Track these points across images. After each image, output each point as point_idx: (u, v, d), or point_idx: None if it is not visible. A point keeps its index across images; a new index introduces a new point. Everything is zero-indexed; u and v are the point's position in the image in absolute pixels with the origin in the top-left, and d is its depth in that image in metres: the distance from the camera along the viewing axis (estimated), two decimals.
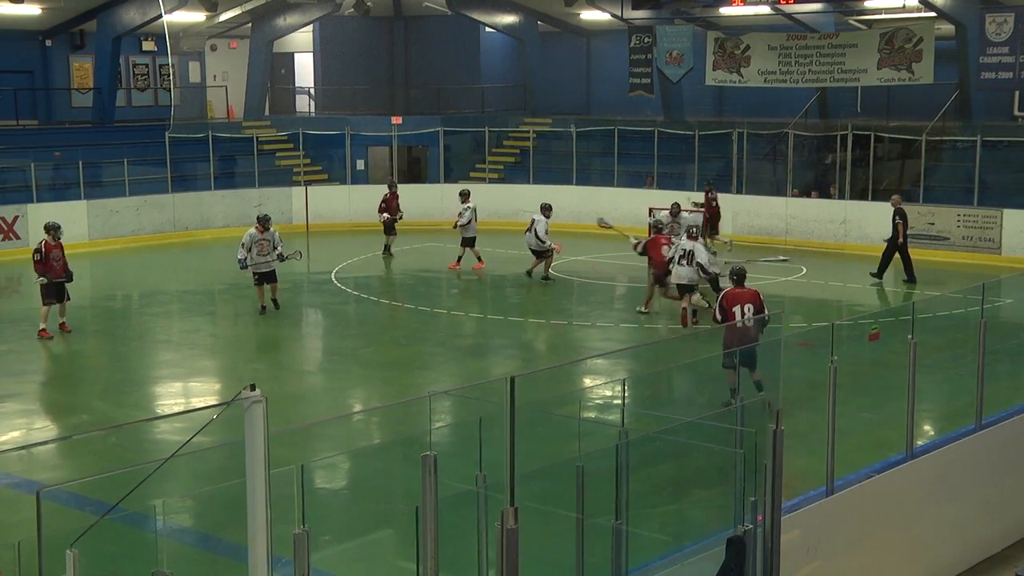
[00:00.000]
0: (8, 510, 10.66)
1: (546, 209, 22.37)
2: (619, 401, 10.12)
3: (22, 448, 12.31)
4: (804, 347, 13.85)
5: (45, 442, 12.99)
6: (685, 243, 18.21)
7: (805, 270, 23.06)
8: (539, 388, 13.31)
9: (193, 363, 16.56)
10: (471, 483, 6.90)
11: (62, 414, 14.07)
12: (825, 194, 27.25)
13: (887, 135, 27.18)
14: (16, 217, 25.47)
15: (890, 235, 21.80)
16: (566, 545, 7.64)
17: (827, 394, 8.91)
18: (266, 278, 19.20)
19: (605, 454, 7.89)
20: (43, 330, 17.48)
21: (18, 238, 25.43)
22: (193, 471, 10.52)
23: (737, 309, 13.37)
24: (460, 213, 23.61)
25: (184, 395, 15.20)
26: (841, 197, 26.58)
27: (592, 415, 11.78)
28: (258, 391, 5.69)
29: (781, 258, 23.87)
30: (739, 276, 13.90)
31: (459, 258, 23.51)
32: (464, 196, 23.96)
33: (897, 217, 21.73)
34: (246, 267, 19.11)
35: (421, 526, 6.45)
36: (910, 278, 21.55)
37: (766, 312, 13.43)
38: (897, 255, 21.72)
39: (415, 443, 7.22)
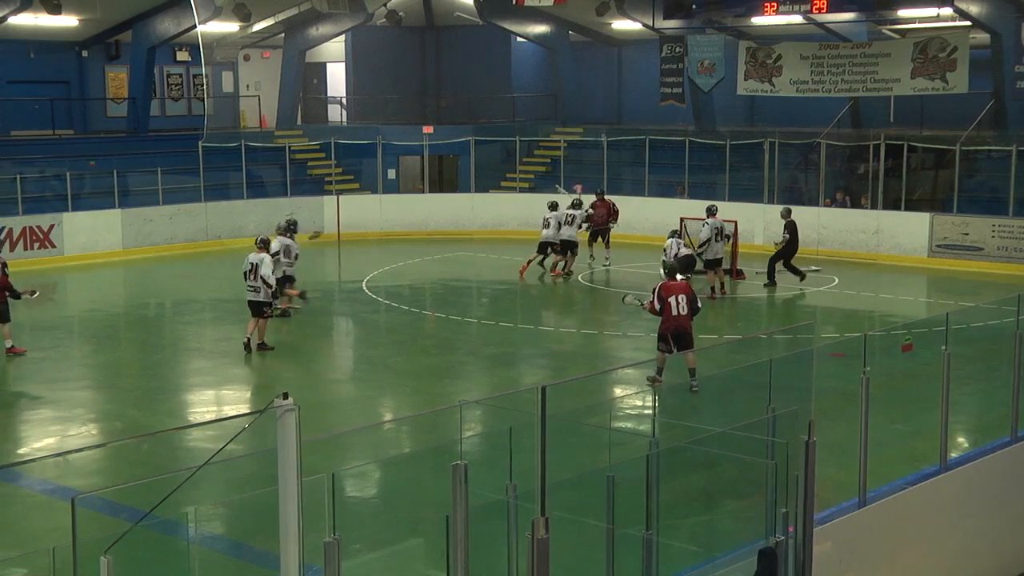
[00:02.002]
0: (43, 516, 10.75)
1: (554, 207, 23.37)
2: (650, 411, 10.11)
3: (57, 455, 12.41)
4: (836, 358, 13.77)
5: (79, 449, 13.09)
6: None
7: (837, 280, 22.92)
8: (570, 398, 13.30)
9: (225, 371, 16.65)
10: (501, 493, 6.90)
11: (96, 421, 14.17)
12: (855, 203, 27.10)
13: (920, 145, 26.99)
14: (52, 226, 25.73)
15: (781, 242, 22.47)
16: (596, 555, 7.63)
17: (859, 405, 8.86)
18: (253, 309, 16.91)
19: (636, 464, 7.87)
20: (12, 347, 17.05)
21: (54, 246, 25.68)
22: (224, 479, 10.58)
23: (673, 299, 14.47)
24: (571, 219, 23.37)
25: (216, 403, 15.29)
26: (874, 207, 26.42)
27: (623, 425, 11.76)
28: (290, 399, 5.72)
29: (813, 268, 23.78)
30: (672, 270, 15.29)
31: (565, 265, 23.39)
32: (552, 206, 23.68)
33: (786, 231, 22.35)
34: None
35: (451, 535, 6.45)
36: (772, 280, 22.20)
37: (698, 302, 14.81)
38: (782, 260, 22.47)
39: (445, 452, 7.24)
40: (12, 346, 17.10)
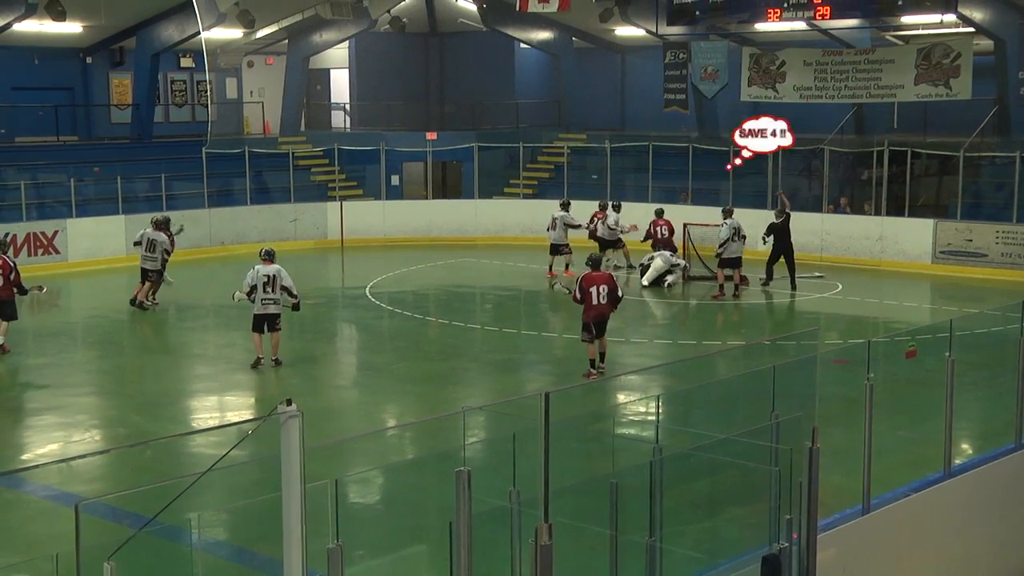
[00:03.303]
0: (46, 522, 10.76)
1: (566, 205, 24.56)
2: (653, 417, 10.09)
3: (61, 461, 12.42)
4: (840, 364, 13.76)
5: (83, 455, 13.09)
6: (732, 222, 22.03)
7: (841, 287, 22.91)
8: (573, 404, 13.29)
9: (228, 377, 16.65)
10: (505, 499, 6.90)
11: (99, 427, 14.18)
12: (857, 208, 27.09)
13: (924, 151, 26.98)
14: (56, 232, 25.77)
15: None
16: (600, 562, 7.62)
17: (863, 412, 8.85)
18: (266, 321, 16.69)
19: (639, 470, 7.87)
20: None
21: (58, 252, 25.72)
22: (227, 485, 10.57)
23: (594, 289, 15.58)
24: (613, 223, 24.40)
25: (219, 409, 15.29)
26: (877, 213, 26.40)
27: (626, 431, 11.76)
28: (294, 406, 5.72)
29: (816, 275, 23.78)
30: (595, 262, 16.25)
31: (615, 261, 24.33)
32: (614, 212, 24.81)
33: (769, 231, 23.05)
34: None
35: (455, 542, 6.45)
36: (769, 278, 22.93)
37: (620, 292, 15.95)
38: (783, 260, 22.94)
39: (449, 458, 7.23)
40: (3, 343, 17.43)
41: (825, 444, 7.98)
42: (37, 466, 12.16)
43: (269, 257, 16.64)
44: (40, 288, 18.34)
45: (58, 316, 21.41)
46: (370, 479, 11.59)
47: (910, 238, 25.45)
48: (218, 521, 10.14)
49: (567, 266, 23.87)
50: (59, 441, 13.37)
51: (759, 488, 8.35)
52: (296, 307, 16.95)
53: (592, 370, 15.84)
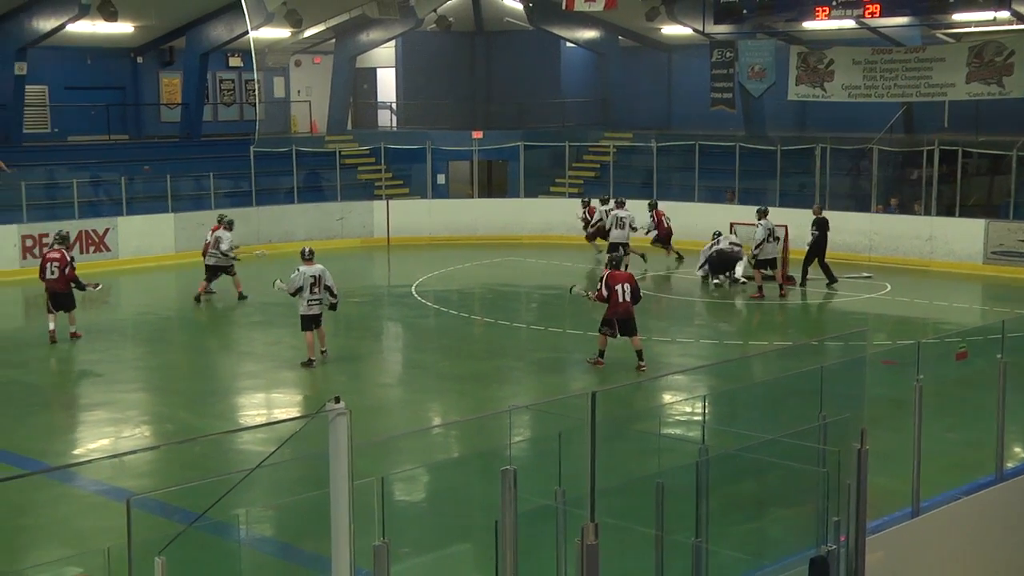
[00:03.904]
0: (97, 516, 10.89)
1: (622, 204, 24.79)
2: (699, 417, 10.06)
3: (112, 457, 12.56)
4: (888, 365, 13.62)
5: (133, 451, 13.25)
6: (766, 223, 21.98)
7: (889, 287, 22.67)
8: (619, 403, 13.27)
9: (275, 375, 16.77)
10: (550, 498, 6.90)
11: (148, 423, 14.34)
12: (907, 208, 26.79)
13: (976, 150, 26.63)
14: (107, 230, 26.08)
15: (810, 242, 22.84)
16: (645, 562, 7.60)
17: (912, 414, 8.76)
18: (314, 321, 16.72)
19: (685, 471, 7.83)
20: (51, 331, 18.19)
21: (109, 250, 26.03)
22: (273, 482, 10.65)
23: (619, 287, 16.09)
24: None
25: (266, 406, 15.41)
26: (927, 213, 26.10)
27: (672, 431, 11.71)
28: (342, 403, 5.75)
29: (865, 275, 23.56)
30: (616, 261, 17.08)
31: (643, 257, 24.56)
32: (619, 204, 24.93)
33: (815, 228, 22.76)
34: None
35: (500, 540, 6.45)
36: (831, 279, 22.69)
37: (640, 291, 16.57)
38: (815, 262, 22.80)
39: (494, 457, 7.24)
40: (75, 331, 18.26)
41: (873, 446, 7.91)
42: (89, 461, 12.32)
43: (311, 257, 16.70)
44: (96, 285, 18.90)
45: (109, 313, 21.66)
46: (416, 477, 11.63)
47: (961, 238, 25.14)
48: (265, 517, 10.22)
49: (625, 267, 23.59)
50: (110, 436, 13.53)
51: (806, 489, 8.30)
52: (334, 307, 16.91)
53: (601, 359, 16.34)
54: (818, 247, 22.80)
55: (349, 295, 23.08)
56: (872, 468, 7.88)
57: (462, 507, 10.60)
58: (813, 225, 22.91)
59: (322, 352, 16.78)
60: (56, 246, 18.61)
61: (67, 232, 20.08)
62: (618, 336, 16.23)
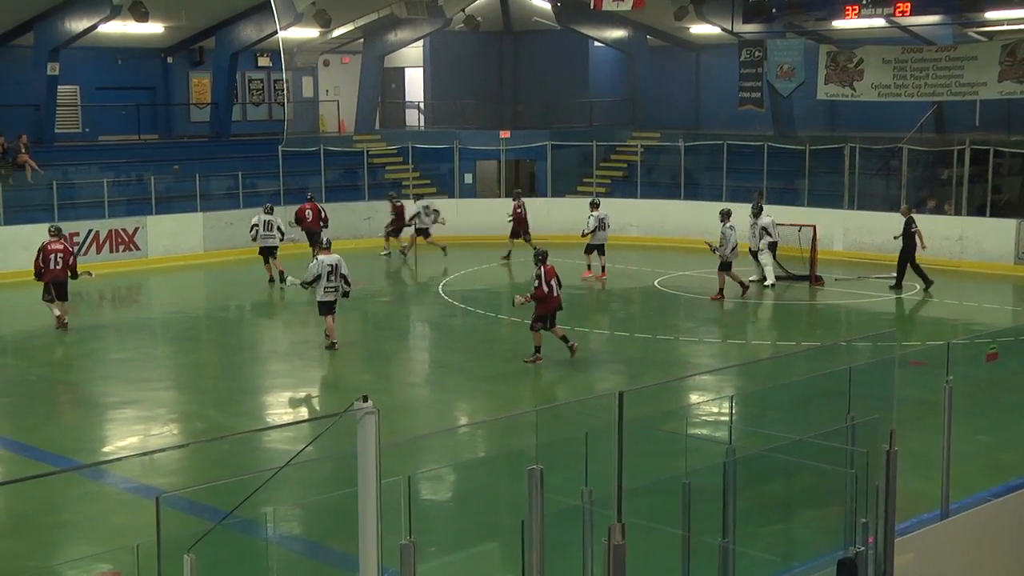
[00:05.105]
0: (127, 513, 10.97)
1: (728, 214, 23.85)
2: (726, 418, 10.02)
3: (141, 455, 12.66)
4: (918, 366, 13.54)
5: (162, 449, 13.34)
6: (764, 220, 22.35)
7: (919, 287, 22.52)
8: (646, 404, 13.21)
9: (302, 374, 16.85)
10: (577, 498, 6.89)
11: (177, 421, 14.43)
12: (937, 208, 26.58)
13: (1008, 150, 26.40)
14: (136, 229, 26.27)
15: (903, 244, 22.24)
16: (671, 563, 7.59)
17: (942, 415, 8.70)
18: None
19: (712, 471, 7.81)
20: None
21: (138, 249, 26.21)
22: (300, 480, 10.70)
23: (554, 282, 16.46)
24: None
25: (293, 405, 15.47)
26: (957, 213, 25.90)
27: (699, 432, 11.68)
28: (370, 402, 5.77)
29: (894, 275, 23.39)
30: (544, 255, 16.86)
31: (588, 266, 24.21)
32: (593, 206, 24.60)
33: (913, 226, 22.13)
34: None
35: (526, 540, 6.46)
36: (927, 283, 22.00)
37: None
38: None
39: (521, 456, 7.24)
40: (66, 321, 18.85)
41: (902, 447, 7.86)
42: (119, 459, 12.41)
43: (328, 246, 17.92)
44: (89, 273, 19.67)
45: (138, 312, 21.83)
46: (442, 476, 11.65)
47: (992, 239, 24.93)
48: (293, 516, 10.27)
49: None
50: (139, 434, 13.63)
51: (834, 491, 8.26)
52: (346, 294, 17.85)
53: (539, 355, 16.51)
54: (909, 249, 22.15)
55: (376, 294, 23.21)
56: (901, 470, 7.84)
57: (489, 507, 10.61)
58: (909, 224, 22.23)
59: (331, 342, 17.53)
60: (55, 239, 19.16)
61: (59, 225, 20.50)
62: (548, 328, 16.55)
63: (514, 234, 26.59)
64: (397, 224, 27.17)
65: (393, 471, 6.22)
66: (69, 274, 18.92)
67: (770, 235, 22.88)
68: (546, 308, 16.46)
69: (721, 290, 21.39)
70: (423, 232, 26.73)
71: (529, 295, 16.58)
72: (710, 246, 21.58)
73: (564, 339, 16.70)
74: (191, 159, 28.97)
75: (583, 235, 24.16)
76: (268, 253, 23.54)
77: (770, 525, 9.61)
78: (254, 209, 25.73)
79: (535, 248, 19.44)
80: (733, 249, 21.34)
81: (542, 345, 16.56)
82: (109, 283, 24.12)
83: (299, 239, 24.74)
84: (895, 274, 22.27)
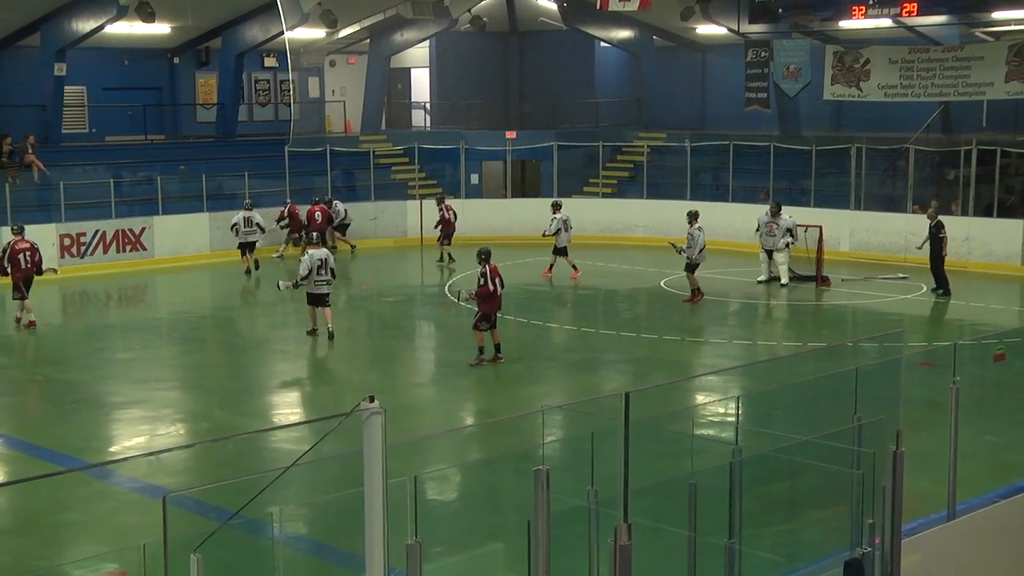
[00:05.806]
0: (133, 513, 10.99)
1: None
2: (732, 418, 10.01)
3: (148, 454, 12.68)
4: (925, 367, 13.52)
5: (169, 449, 13.36)
6: (787, 221, 22.58)
7: (925, 288, 22.49)
8: (652, 404, 13.20)
9: (308, 373, 16.86)
10: (583, 498, 6.89)
11: (183, 421, 14.45)
12: (944, 209, 26.52)
13: (1015, 150, 26.35)
14: (143, 229, 26.31)
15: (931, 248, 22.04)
16: (678, 563, 7.58)
17: (948, 416, 8.68)
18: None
19: (718, 472, 7.81)
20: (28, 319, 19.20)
21: (145, 249, 26.25)
22: (307, 480, 10.71)
23: (498, 280, 16.35)
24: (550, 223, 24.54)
25: (299, 405, 15.48)
26: (964, 214, 25.86)
27: (705, 432, 11.68)
28: (376, 402, 5.77)
29: (900, 276, 23.37)
30: (488, 254, 16.73)
31: (551, 266, 24.40)
32: (555, 207, 24.80)
33: (942, 231, 21.95)
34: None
35: (532, 540, 6.45)
36: (945, 291, 21.75)
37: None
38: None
39: (527, 457, 7.24)
40: (31, 320, 19.12)
41: (909, 448, 7.85)
42: (126, 459, 12.42)
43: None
44: (54, 270, 20.37)
45: (144, 312, 21.86)
46: (448, 476, 11.66)
47: (998, 239, 24.89)
48: (299, 516, 10.28)
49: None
50: (145, 434, 13.65)
51: (840, 491, 8.24)
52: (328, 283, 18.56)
53: (483, 357, 16.48)
54: (938, 251, 21.99)
55: (382, 294, 23.23)
56: (908, 470, 7.83)
57: (495, 507, 10.61)
58: (937, 228, 22.10)
59: (329, 330, 18.04)
60: (19, 237, 19.48)
61: (22, 224, 20.69)
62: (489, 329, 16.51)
63: (446, 237, 26.39)
64: (447, 230, 26.48)
65: (399, 471, 6.22)
66: (35, 271, 19.28)
67: (793, 238, 22.79)
68: (489, 307, 16.44)
69: (695, 290, 21.10)
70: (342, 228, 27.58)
71: (474, 292, 16.57)
72: (676, 248, 21.28)
73: (497, 347, 16.59)
74: (197, 159, 29.00)
75: (544, 235, 24.58)
76: (248, 248, 24.55)
77: (776, 526, 9.61)
78: (259, 210, 25.79)
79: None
80: (700, 251, 21.18)
81: (498, 344, 16.53)
82: (116, 283, 24.17)
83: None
84: (935, 285, 21.94)
